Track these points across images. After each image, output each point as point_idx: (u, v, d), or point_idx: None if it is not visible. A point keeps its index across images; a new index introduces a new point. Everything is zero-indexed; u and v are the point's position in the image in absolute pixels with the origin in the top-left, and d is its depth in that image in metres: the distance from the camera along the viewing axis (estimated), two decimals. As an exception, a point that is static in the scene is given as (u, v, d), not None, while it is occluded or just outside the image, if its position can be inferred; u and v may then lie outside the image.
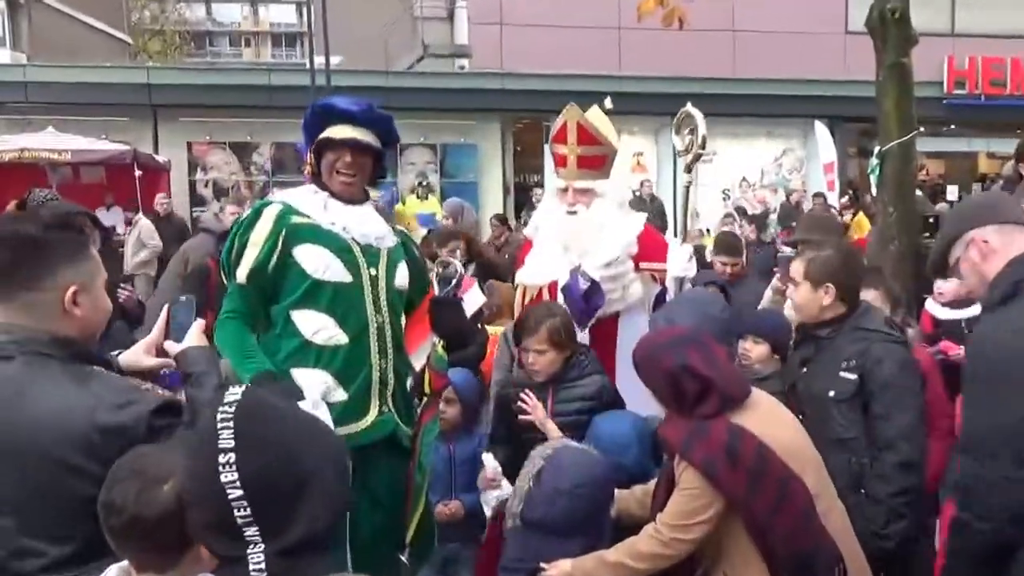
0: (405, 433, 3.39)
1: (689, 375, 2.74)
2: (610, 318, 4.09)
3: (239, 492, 1.60)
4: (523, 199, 17.86)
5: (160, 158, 15.20)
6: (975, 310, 4.13)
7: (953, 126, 20.21)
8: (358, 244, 3.25)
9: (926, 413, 3.25)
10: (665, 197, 15.69)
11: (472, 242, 7.26)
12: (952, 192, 18.66)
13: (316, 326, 3.17)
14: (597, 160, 4.13)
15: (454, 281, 3.45)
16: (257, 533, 1.61)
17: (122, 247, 11.71)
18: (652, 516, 2.85)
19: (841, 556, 2.72)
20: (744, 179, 18.87)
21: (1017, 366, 2.21)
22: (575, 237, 4.07)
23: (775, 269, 4.71)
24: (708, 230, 12.39)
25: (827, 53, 18.11)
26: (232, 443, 1.61)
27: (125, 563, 1.82)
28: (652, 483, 3.05)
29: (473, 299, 4.30)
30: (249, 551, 1.61)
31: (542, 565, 2.86)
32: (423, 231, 8.05)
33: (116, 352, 2.42)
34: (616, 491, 3.09)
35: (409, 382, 3.46)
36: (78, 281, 2.11)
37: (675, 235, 4.61)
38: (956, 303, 4.87)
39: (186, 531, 1.71)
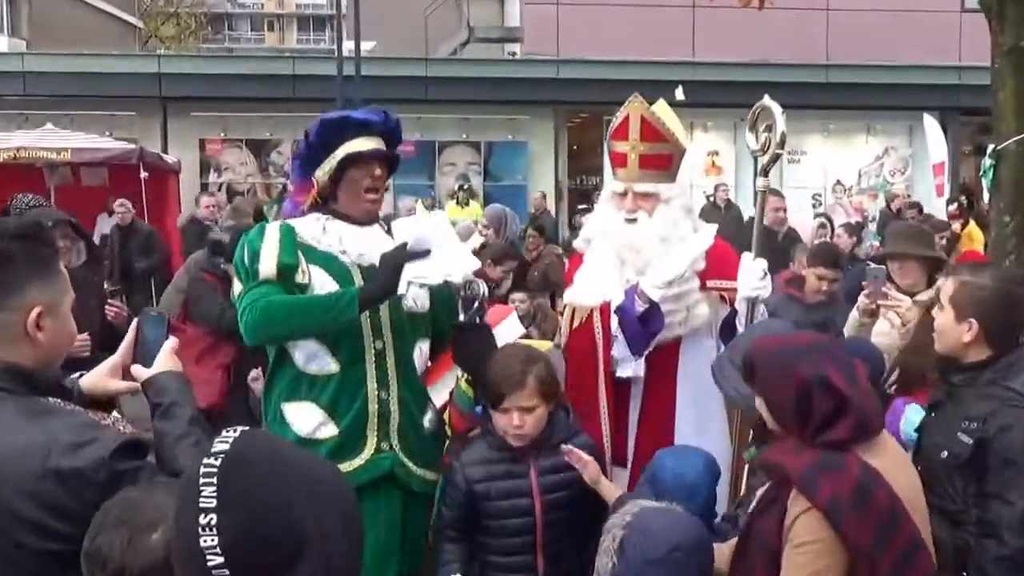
0: (416, 476, 3.38)
1: (825, 390, 2.59)
2: (671, 344, 4.02)
3: (219, 559, 1.57)
4: (578, 205, 17.83)
5: (169, 158, 15.44)
6: None
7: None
8: (359, 267, 3.30)
9: None
10: (745, 204, 15.56)
11: (526, 266, 7.25)
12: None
13: (308, 354, 3.24)
14: (662, 160, 4.09)
15: (477, 303, 3.41)
16: None
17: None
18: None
19: None
20: (839, 182, 18.61)
21: None
22: (634, 249, 4.03)
23: (863, 284, 4.62)
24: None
25: (938, 35, 17.89)
26: (214, 503, 1.59)
27: None
28: (734, 539, 2.96)
29: (509, 331, 4.26)
30: None
31: None
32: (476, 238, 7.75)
33: (77, 375, 2.40)
34: None
35: (427, 417, 3.45)
36: (43, 301, 2.10)
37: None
38: None
39: None
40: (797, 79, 16.94)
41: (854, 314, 4.62)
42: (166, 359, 2.38)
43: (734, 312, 4.06)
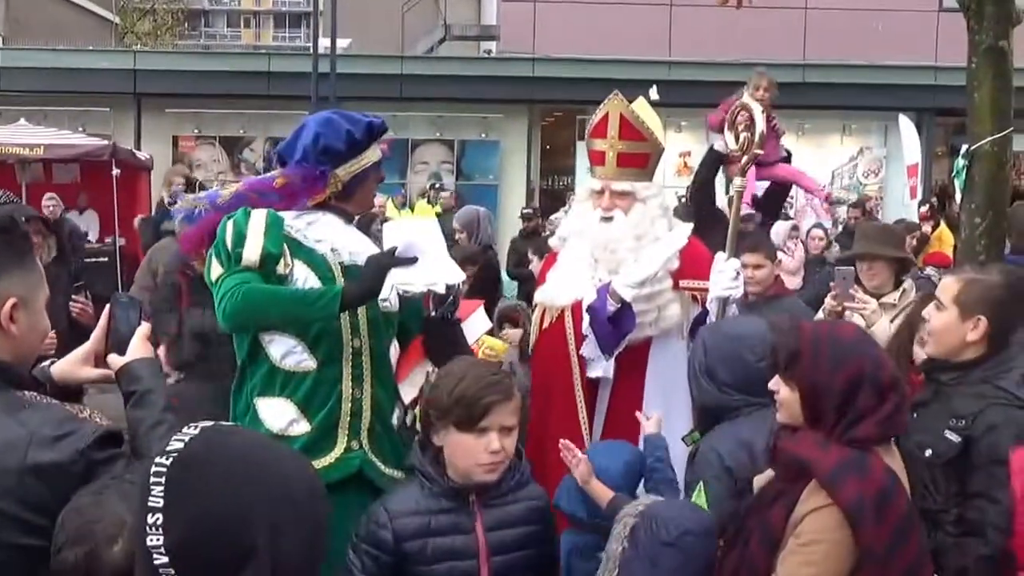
0: (385, 475, 3.35)
1: (874, 386, 2.53)
2: (640, 344, 4.02)
3: (164, 559, 1.59)
4: (551, 205, 17.76)
5: (141, 155, 15.33)
6: None
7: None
8: (342, 266, 3.31)
9: None
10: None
11: (488, 269, 7.11)
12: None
13: (284, 350, 3.23)
14: (640, 158, 4.11)
15: (451, 299, 3.37)
16: None
17: (91, 256, 11.74)
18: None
19: None
20: (812, 183, 18.68)
21: None
22: (608, 249, 4.01)
23: (831, 284, 4.59)
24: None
25: (916, 34, 17.94)
26: (160, 502, 1.60)
27: None
28: None
29: (477, 326, 4.23)
30: None
31: None
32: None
33: (48, 362, 2.39)
34: None
35: (395, 416, 3.43)
36: (18, 294, 2.09)
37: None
38: None
39: None
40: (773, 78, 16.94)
41: (820, 316, 4.60)
42: (139, 345, 2.37)
43: (705, 312, 4.06)
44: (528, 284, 8.10)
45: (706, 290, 4.04)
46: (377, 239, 3.46)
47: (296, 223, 3.30)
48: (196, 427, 1.69)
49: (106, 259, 12.76)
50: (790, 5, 18.34)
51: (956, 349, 3.21)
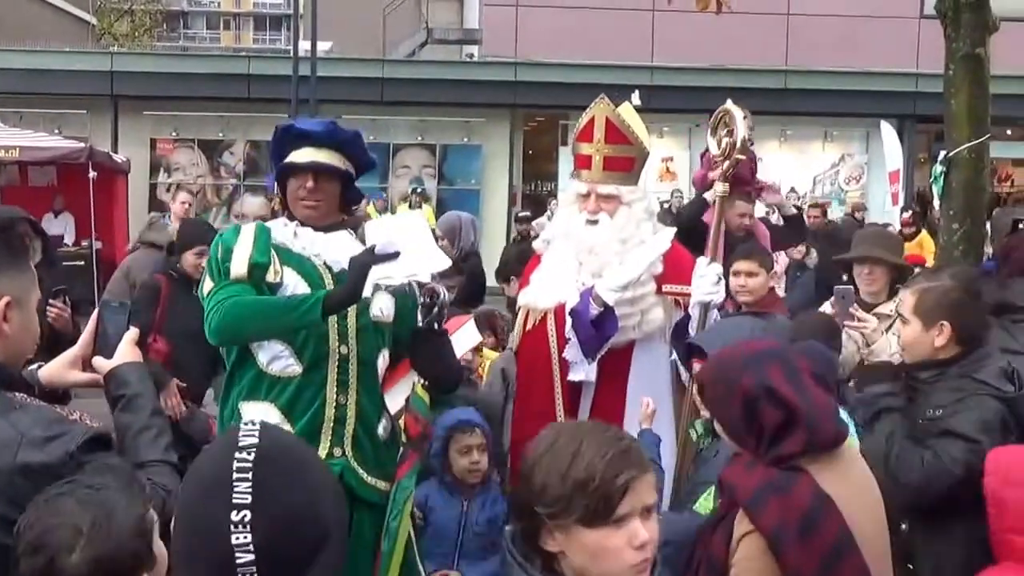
0: (367, 484, 3.35)
1: (771, 400, 2.48)
2: (623, 347, 4.03)
3: (249, 557, 1.56)
4: (533, 210, 17.78)
5: (118, 157, 15.25)
6: None
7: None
8: (330, 271, 3.33)
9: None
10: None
11: (473, 276, 7.05)
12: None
13: (271, 355, 3.24)
14: (626, 162, 4.13)
15: (437, 308, 3.39)
16: None
17: (67, 260, 11.71)
18: None
19: None
20: (793, 189, 18.75)
21: None
22: (593, 252, 4.03)
23: (831, 303, 4.51)
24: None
25: (897, 41, 18.09)
26: (248, 499, 1.56)
27: None
28: None
29: (466, 338, 4.22)
30: None
31: None
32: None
33: (35, 366, 2.38)
34: None
35: (381, 426, 3.42)
36: (12, 293, 2.10)
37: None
38: None
39: None
40: (755, 85, 17.05)
41: (851, 348, 4.56)
42: (127, 350, 2.38)
43: (687, 317, 4.07)
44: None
45: (688, 295, 4.06)
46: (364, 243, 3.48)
47: (282, 233, 3.34)
48: (254, 423, 1.70)
49: (82, 262, 12.72)
50: (772, 11, 18.47)
51: (929, 355, 3.26)
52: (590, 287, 3.93)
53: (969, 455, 2.96)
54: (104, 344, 2.39)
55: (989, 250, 6.71)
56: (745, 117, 4.18)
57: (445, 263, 3.35)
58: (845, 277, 6.19)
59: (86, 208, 13.29)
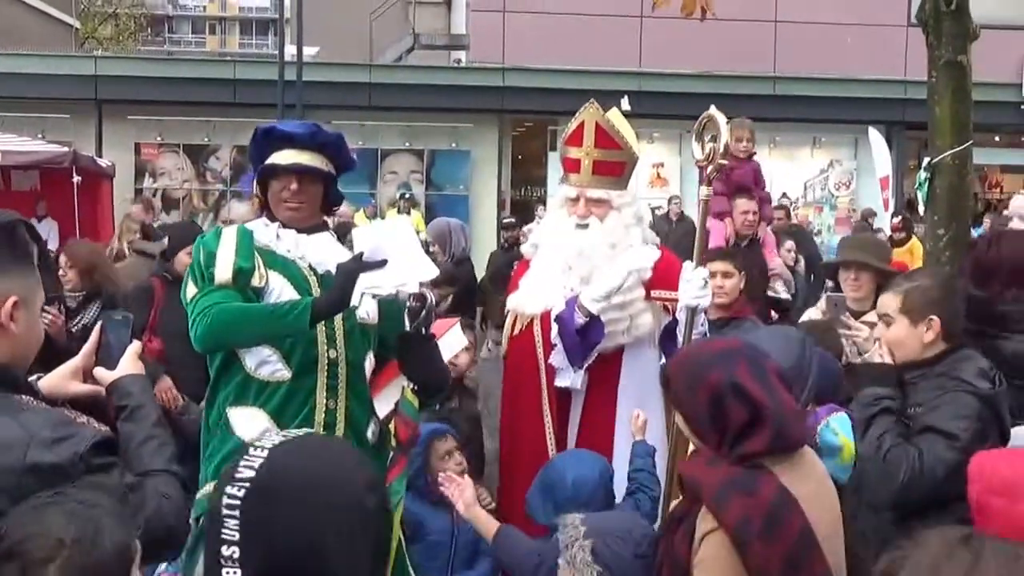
0: None
1: (738, 398, 2.48)
2: (613, 353, 4.07)
3: None
4: (521, 216, 17.81)
5: (103, 162, 15.22)
6: None
7: (1034, 135, 20.26)
8: (315, 273, 3.34)
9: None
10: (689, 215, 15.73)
11: (470, 284, 7.04)
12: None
13: (259, 359, 3.23)
14: (615, 167, 4.17)
15: (424, 313, 3.41)
16: None
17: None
18: None
19: None
20: (784, 195, 18.88)
21: None
22: (583, 256, 4.07)
23: (822, 311, 4.54)
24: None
25: (885, 48, 18.19)
26: (236, 535, 1.59)
27: None
28: None
29: (453, 342, 4.26)
30: None
31: None
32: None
33: (36, 376, 2.38)
34: None
35: (370, 431, 3.44)
36: (19, 293, 2.10)
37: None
38: None
39: None
40: (744, 91, 17.15)
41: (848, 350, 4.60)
42: (129, 362, 2.39)
43: (675, 321, 4.10)
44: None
45: (676, 300, 4.10)
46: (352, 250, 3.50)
47: (265, 235, 3.35)
48: (263, 449, 1.69)
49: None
50: (761, 18, 18.59)
51: (918, 353, 3.29)
52: (575, 295, 3.98)
53: (951, 453, 3.00)
54: (107, 356, 2.41)
55: None
56: (728, 122, 4.23)
57: (433, 272, 3.34)
58: (831, 283, 6.27)
59: (70, 213, 13.23)
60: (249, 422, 3.21)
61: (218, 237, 3.27)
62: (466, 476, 3.58)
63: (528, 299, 4.19)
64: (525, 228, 12.87)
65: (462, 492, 3.44)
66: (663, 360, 4.07)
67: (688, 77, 17.55)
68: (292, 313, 3.09)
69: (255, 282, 3.23)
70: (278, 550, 1.59)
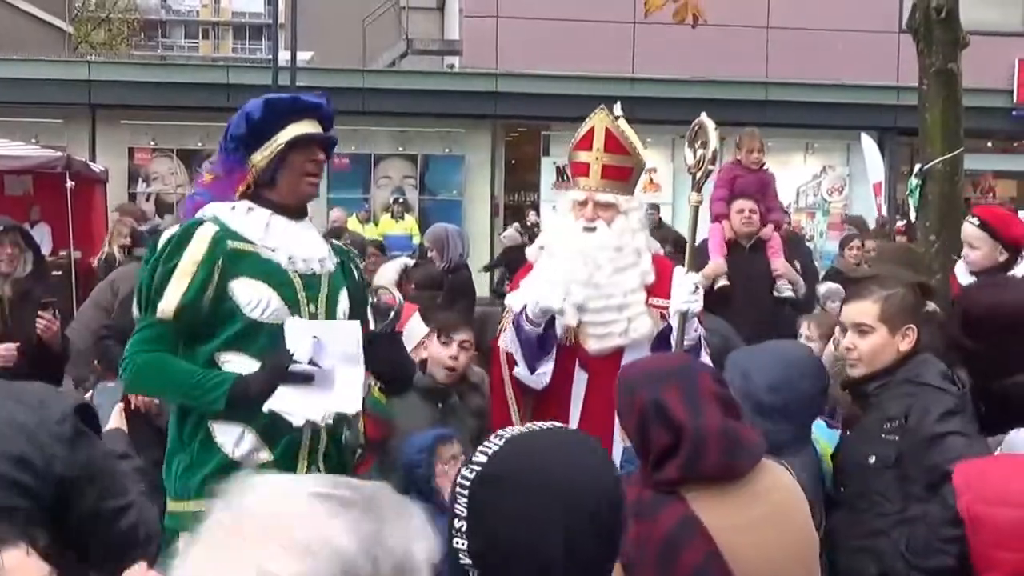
0: None
1: (661, 418, 2.38)
2: (611, 356, 4.03)
3: (468, 561, 1.72)
4: (514, 221, 17.84)
5: (96, 167, 15.22)
6: None
7: (1026, 141, 20.33)
8: (299, 276, 3.23)
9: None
10: (681, 224, 15.72)
11: (462, 288, 7.00)
12: None
13: (244, 372, 3.12)
14: (624, 172, 4.21)
15: (393, 314, 3.39)
16: None
17: (55, 270, 11.67)
18: None
19: None
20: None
21: None
22: (588, 256, 4.06)
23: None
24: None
25: (877, 54, 18.22)
26: (464, 512, 1.73)
27: None
28: None
29: (414, 330, 4.26)
30: None
31: None
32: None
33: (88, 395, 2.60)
34: None
35: (345, 434, 3.42)
36: None
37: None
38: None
39: None
40: (736, 96, 17.21)
41: (830, 347, 4.60)
42: (116, 419, 2.65)
43: (669, 328, 4.11)
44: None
45: (665, 307, 4.12)
46: (345, 253, 3.48)
47: (251, 229, 3.20)
48: (502, 438, 1.78)
49: (59, 273, 12.68)
50: (753, 24, 18.63)
51: (894, 362, 3.24)
52: (522, 308, 3.99)
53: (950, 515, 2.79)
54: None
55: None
56: (716, 129, 4.26)
57: (355, 407, 3.26)
58: (823, 289, 6.30)
59: (63, 218, 13.22)
60: (235, 439, 3.12)
61: (181, 248, 3.09)
62: None
63: (522, 297, 4.20)
64: (503, 235, 12.77)
65: None
66: None
67: (680, 83, 17.60)
68: (211, 394, 3.04)
69: (205, 300, 3.09)
70: (498, 536, 1.69)
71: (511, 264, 11.14)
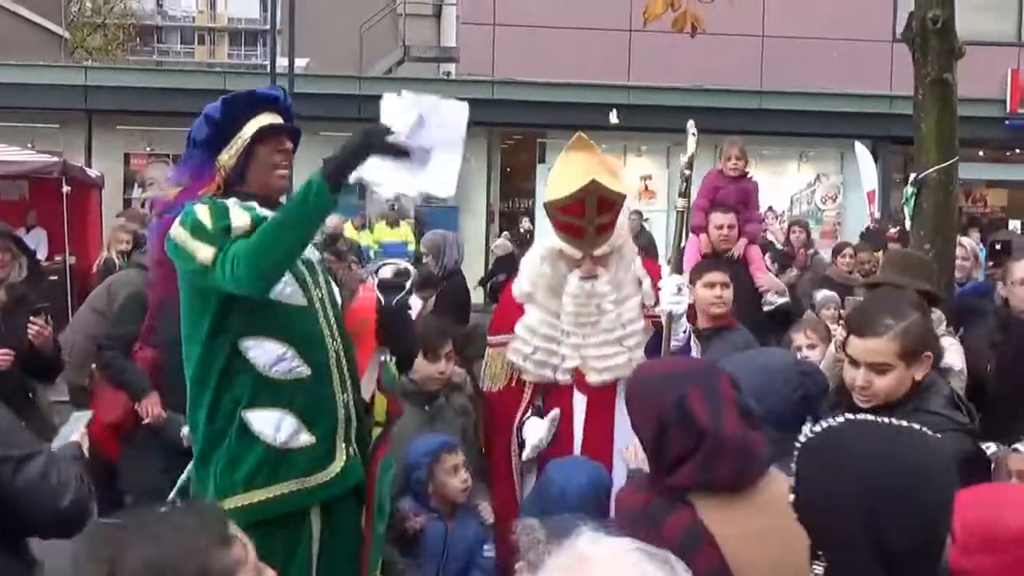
0: (363, 479, 3.33)
1: (682, 421, 2.37)
2: (608, 387, 3.95)
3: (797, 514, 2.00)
4: (509, 228, 17.85)
5: (92, 172, 15.22)
6: None
7: (1018, 151, 20.37)
8: (301, 260, 3.18)
9: None
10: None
11: (456, 293, 7.03)
12: (1015, 227, 18.66)
13: (272, 356, 3.08)
14: (615, 215, 4.00)
15: (406, 291, 3.30)
16: None
17: (51, 275, 11.65)
18: None
19: None
20: (770, 208, 18.95)
21: None
22: (592, 301, 3.96)
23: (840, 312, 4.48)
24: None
25: (871, 63, 18.30)
26: (795, 476, 2.02)
27: None
28: None
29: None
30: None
31: None
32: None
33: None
34: None
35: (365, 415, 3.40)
36: None
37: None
38: None
39: None
40: (731, 104, 17.26)
41: (831, 350, 4.55)
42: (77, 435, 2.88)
43: (658, 337, 4.07)
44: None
45: (658, 317, 4.07)
46: (341, 256, 3.45)
47: (241, 217, 3.11)
48: (842, 417, 2.07)
49: (55, 277, 12.66)
50: (748, 33, 18.68)
51: (902, 395, 3.10)
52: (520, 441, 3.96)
53: None
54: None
55: (978, 274, 6.80)
56: (695, 135, 4.23)
57: (448, 191, 3.14)
58: (818, 295, 6.29)
59: (59, 223, 13.23)
60: (274, 424, 3.07)
61: (208, 201, 3.07)
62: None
63: (525, 361, 4.04)
64: (496, 244, 12.75)
65: None
66: None
67: (676, 91, 17.63)
68: (309, 197, 2.89)
69: None
70: (821, 496, 1.95)
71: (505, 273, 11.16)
